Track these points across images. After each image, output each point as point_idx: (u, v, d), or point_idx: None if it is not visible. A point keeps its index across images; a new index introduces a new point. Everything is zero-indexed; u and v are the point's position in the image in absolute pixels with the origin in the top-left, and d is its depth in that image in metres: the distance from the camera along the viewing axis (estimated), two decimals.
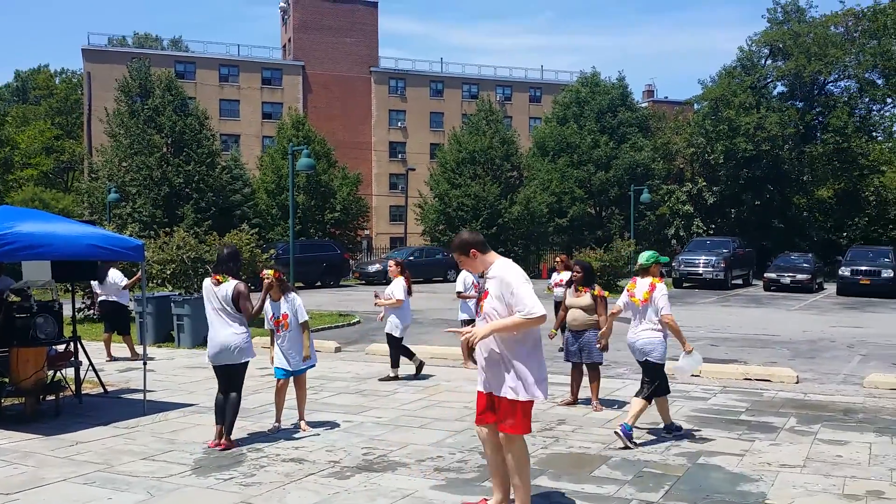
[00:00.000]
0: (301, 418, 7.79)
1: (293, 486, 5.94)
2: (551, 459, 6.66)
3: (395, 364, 10.59)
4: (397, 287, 10.48)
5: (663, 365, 7.21)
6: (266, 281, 7.45)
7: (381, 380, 10.49)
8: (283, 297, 7.58)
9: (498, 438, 5.00)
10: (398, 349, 10.64)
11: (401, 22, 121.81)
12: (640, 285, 7.30)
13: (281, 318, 7.55)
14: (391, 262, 11.16)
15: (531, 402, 4.90)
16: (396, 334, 10.54)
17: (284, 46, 67.55)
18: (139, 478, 6.17)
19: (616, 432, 7.02)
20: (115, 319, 12.73)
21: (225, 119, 60.02)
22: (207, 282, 7.18)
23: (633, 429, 7.08)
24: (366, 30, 65.37)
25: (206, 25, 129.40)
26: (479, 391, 5.10)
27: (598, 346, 8.36)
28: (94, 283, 12.59)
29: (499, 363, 4.90)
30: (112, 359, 12.50)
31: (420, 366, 10.83)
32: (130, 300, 13.76)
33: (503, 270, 4.86)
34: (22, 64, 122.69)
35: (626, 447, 6.87)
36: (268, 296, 7.45)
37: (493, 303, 4.84)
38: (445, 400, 9.20)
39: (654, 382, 7.13)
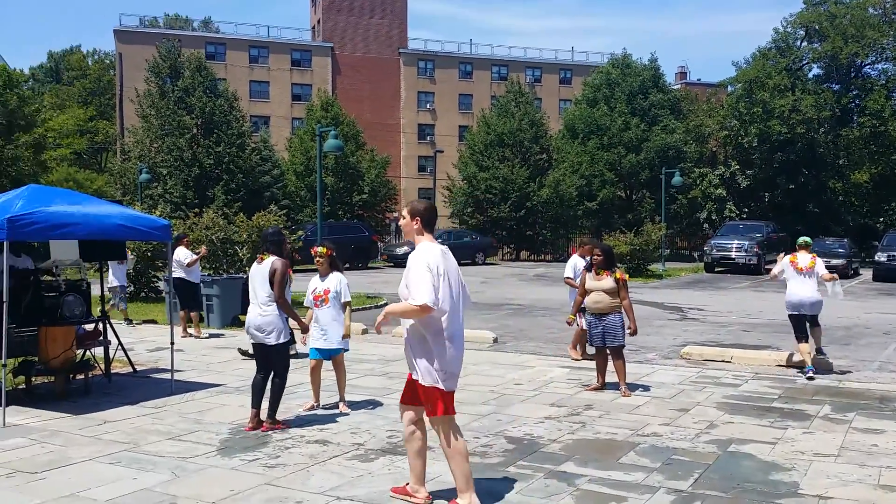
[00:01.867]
0: (341, 399, 7.77)
1: (317, 468, 5.91)
2: (577, 445, 6.56)
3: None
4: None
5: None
6: (317, 259, 7.55)
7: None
8: (329, 274, 7.59)
9: (411, 420, 5.02)
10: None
11: (430, 3, 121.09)
12: (802, 258, 9.79)
13: (322, 293, 7.52)
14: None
15: (439, 389, 4.76)
16: None
17: (314, 28, 67.51)
18: (165, 458, 6.18)
19: (809, 378, 9.25)
20: (184, 296, 12.88)
21: (255, 101, 60.25)
22: (254, 264, 7.19)
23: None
24: (395, 11, 65.07)
25: (236, 7, 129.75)
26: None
27: (628, 330, 8.30)
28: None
29: (408, 347, 4.90)
30: (187, 335, 12.62)
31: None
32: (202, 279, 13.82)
33: (413, 254, 4.81)
34: (55, 45, 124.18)
35: (811, 378, 9.19)
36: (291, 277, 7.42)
37: (402, 284, 4.83)
38: (471, 383, 9.12)
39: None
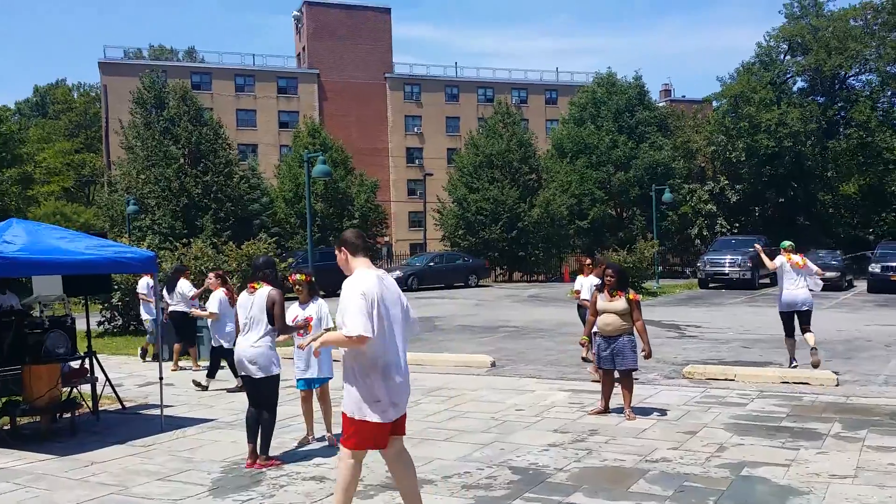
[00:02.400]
0: (328, 431, 7.50)
1: None
2: (585, 474, 6.31)
3: (210, 374, 10.77)
4: (213, 301, 10.67)
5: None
6: (296, 287, 7.35)
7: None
8: (310, 301, 7.37)
9: (396, 450, 4.80)
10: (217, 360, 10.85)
11: (415, 28, 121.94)
12: (794, 258, 10.56)
13: (304, 320, 7.28)
14: (211, 275, 11.25)
15: (360, 421, 4.56)
16: (224, 343, 10.62)
17: (299, 55, 67.66)
18: (154, 500, 5.90)
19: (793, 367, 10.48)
20: (183, 329, 12.69)
21: (242, 129, 60.16)
22: (243, 293, 6.97)
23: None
24: (379, 36, 65.33)
25: (219, 37, 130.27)
26: None
27: (642, 353, 8.10)
28: (164, 293, 12.67)
29: (344, 374, 4.72)
30: (179, 369, 12.42)
31: (201, 386, 10.76)
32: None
33: (347, 283, 4.65)
34: (40, 79, 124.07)
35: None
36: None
37: (338, 314, 4.69)
38: (470, 410, 8.87)
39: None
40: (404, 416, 4.78)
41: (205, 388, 10.68)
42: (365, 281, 4.59)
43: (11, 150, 38.33)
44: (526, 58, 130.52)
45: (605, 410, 8.44)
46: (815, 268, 10.43)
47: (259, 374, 6.73)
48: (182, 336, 12.73)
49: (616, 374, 8.36)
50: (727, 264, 29.31)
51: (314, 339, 5.22)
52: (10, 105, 75.01)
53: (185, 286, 12.68)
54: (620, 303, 8.20)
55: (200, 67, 62.63)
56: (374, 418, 4.54)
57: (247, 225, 36.00)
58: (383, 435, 4.61)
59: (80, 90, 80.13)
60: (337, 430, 7.66)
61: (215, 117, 41.35)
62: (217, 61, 63.63)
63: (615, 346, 8.17)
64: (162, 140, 36.72)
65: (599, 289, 8.57)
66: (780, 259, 10.58)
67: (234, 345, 10.53)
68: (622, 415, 8.23)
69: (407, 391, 4.71)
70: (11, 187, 37.26)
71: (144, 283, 13.50)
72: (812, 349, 10.41)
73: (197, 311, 11.46)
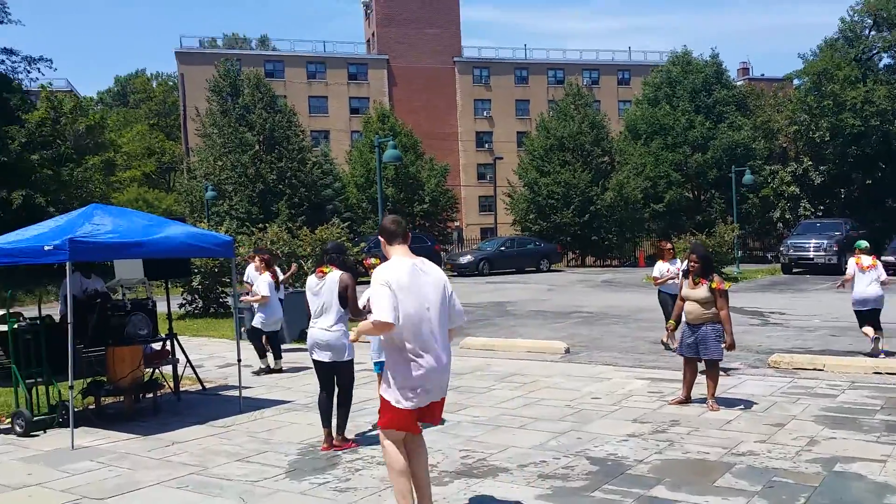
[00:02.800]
0: None
1: (389, 493, 5.58)
2: (668, 466, 6.09)
3: (261, 356, 10.89)
4: (262, 284, 10.88)
5: None
6: (371, 270, 7.25)
7: (254, 373, 10.65)
8: None
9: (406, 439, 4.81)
10: (258, 341, 10.89)
11: (483, 10, 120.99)
12: (865, 259, 10.82)
13: None
14: (256, 258, 11.40)
15: (386, 402, 4.68)
16: (258, 325, 10.83)
17: (368, 41, 68.03)
18: (233, 481, 5.97)
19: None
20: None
21: (314, 115, 60.93)
22: (311, 277, 6.95)
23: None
24: (448, 20, 65.05)
25: (292, 24, 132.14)
26: None
27: (723, 345, 7.78)
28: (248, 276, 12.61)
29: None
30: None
31: (269, 370, 10.83)
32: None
33: (376, 271, 4.71)
34: (121, 69, 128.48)
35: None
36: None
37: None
38: (545, 398, 8.71)
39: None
40: (438, 405, 4.79)
41: (276, 370, 10.86)
42: (391, 269, 4.64)
43: (95, 137, 39.72)
44: (598, 38, 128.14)
45: (687, 400, 8.15)
46: (883, 274, 10.83)
47: (333, 359, 6.73)
48: None
49: (700, 364, 8.07)
50: (812, 248, 28.18)
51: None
52: (93, 96, 78.01)
53: (250, 271, 12.63)
54: (702, 290, 7.89)
55: (273, 55, 63.65)
56: (401, 404, 4.61)
57: (320, 210, 36.51)
58: (410, 420, 4.66)
59: (159, 79, 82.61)
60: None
61: (288, 104, 41.95)
62: (289, 49, 64.53)
63: (699, 335, 7.87)
64: (237, 127, 37.51)
65: (685, 274, 8.32)
66: (851, 265, 11.02)
67: (267, 327, 10.77)
68: (704, 405, 7.93)
69: (440, 379, 4.73)
70: (95, 174, 38.63)
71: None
72: (874, 338, 10.76)
73: (247, 298, 11.32)
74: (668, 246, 12.22)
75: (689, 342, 7.97)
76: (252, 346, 11.03)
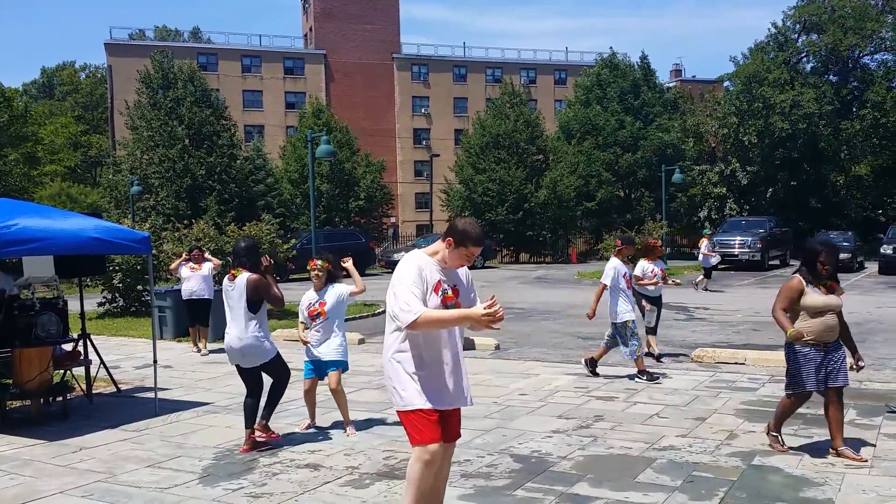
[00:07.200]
0: (347, 424, 7.14)
1: (306, 498, 5.42)
2: (590, 462, 6.06)
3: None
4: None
5: None
6: (314, 272, 7.06)
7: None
8: (327, 287, 7.07)
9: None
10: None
11: (422, 8, 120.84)
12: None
13: (318, 305, 7.01)
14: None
15: (414, 413, 4.12)
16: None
17: (306, 35, 67.11)
18: (141, 489, 5.69)
19: None
20: (198, 312, 12.39)
21: (248, 110, 59.80)
22: (225, 280, 6.70)
23: None
24: (387, 16, 64.67)
25: (225, 18, 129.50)
26: None
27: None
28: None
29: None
30: (197, 350, 12.19)
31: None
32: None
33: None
34: (48, 61, 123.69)
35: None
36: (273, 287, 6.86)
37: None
38: (472, 395, 8.60)
39: None
40: (456, 419, 4.42)
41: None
42: (409, 264, 4.23)
43: (18, 129, 38.09)
44: (536, 38, 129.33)
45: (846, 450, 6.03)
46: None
47: (251, 364, 6.54)
48: (197, 319, 12.46)
49: (827, 396, 6.08)
50: (737, 245, 28.95)
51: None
52: (18, 87, 74.84)
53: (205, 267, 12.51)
54: (838, 298, 6.05)
55: (207, 48, 62.19)
56: (419, 405, 4.15)
57: (251, 206, 35.73)
58: (431, 422, 4.13)
59: (87, 72, 79.85)
60: (327, 416, 7.48)
61: (222, 98, 40.97)
62: (224, 42, 63.17)
63: (838, 357, 5.99)
64: (167, 121, 36.43)
65: (809, 279, 5.98)
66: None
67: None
68: (626, 401, 7.96)
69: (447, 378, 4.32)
70: (16, 168, 37.03)
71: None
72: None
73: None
74: (658, 243, 11.03)
75: (829, 369, 5.97)
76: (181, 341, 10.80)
